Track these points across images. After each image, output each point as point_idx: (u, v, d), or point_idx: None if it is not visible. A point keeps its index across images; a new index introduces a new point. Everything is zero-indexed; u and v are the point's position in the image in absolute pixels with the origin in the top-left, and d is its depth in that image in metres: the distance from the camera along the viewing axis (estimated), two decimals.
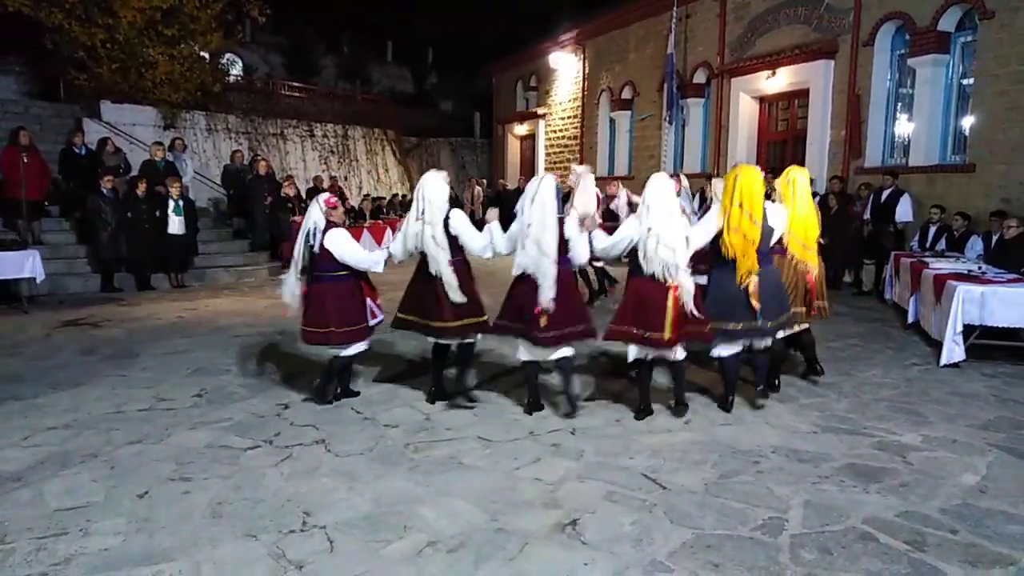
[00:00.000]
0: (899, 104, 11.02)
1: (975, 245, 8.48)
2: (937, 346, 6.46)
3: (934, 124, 10.21)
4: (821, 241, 5.29)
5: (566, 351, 4.79)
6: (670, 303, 4.44)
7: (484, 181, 20.15)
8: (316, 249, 4.79)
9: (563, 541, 3.22)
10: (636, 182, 14.65)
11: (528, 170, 21.13)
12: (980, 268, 7.04)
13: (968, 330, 6.19)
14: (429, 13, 29.26)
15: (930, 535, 3.27)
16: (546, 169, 20.23)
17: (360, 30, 29.85)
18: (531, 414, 4.90)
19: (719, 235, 4.65)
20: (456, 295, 4.66)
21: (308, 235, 4.81)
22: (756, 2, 13.07)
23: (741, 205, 4.54)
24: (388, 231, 13.74)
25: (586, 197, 7.77)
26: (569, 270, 4.80)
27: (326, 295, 4.83)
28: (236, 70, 22.94)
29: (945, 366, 6.16)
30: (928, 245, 9.07)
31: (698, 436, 4.56)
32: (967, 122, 9.76)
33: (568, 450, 4.31)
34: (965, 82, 9.96)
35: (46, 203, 11.11)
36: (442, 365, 5.24)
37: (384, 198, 18.28)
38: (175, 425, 4.72)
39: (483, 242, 4.84)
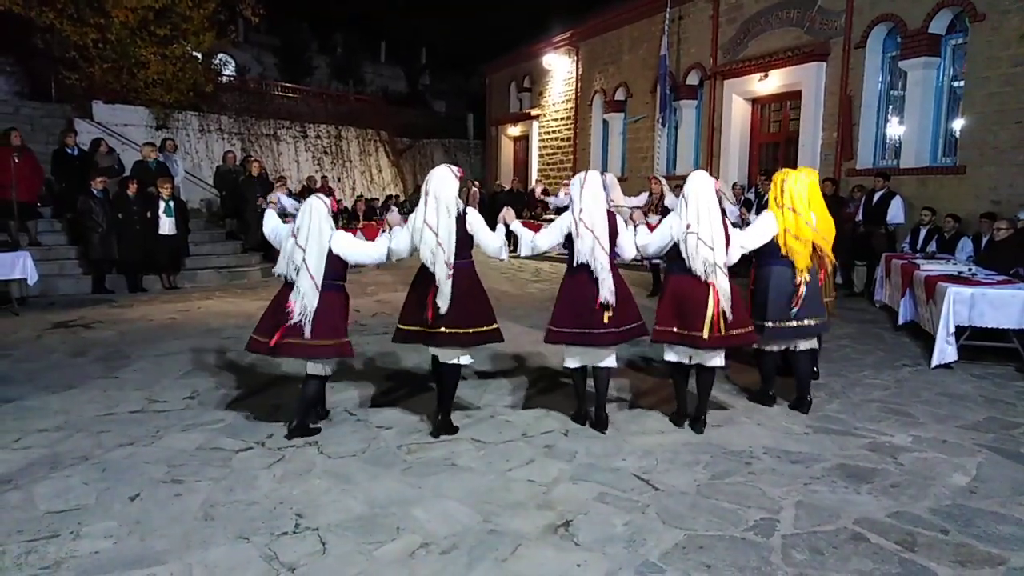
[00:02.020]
0: (890, 106, 11.08)
1: (965, 247, 8.54)
2: (928, 347, 6.50)
3: (925, 126, 10.27)
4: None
5: (612, 359, 4.62)
6: (711, 302, 4.34)
7: (478, 183, 20.14)
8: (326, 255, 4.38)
9: (556, 542, 3.23)
10: (629, 184, 14.70)
11: (521, 171, 21.17)
12: (970, 270, 7.09)
13: (958, 331, 6.23)
14: (423, 13, 29.27)
15: (920, 535, 3.29)
16: (539, 171, 20.26)
17: (353, 30, 29.83)
18: (583, 424, 4.69)
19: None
20: (444, 303, 4.26)
21: (326, 242, 4.37)
22: (749, 4, 13.12)
23: (793, 209, 4.68)
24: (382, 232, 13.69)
25: (616, 196, 7.76)
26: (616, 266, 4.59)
27: (334, 303, 4.45)
28: (229, 70, 22.86)
29: (937, 367, 6.20)
30: (919, 247, 9.12)
31: (690, 437, 4.58)
32: (958, 124, 9.83)
33: (561, 451, 4.32)
34: (956, 84, 10.02)
35: (39, 204, 11.04)
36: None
37: (378, 199, 18.27)
38: (167, 427, 4.70)
39: (499, 242, 4.56)
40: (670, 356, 4.65)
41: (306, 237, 4.31)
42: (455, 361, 4.55)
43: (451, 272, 4.27)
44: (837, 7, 11.30)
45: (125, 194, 10.50)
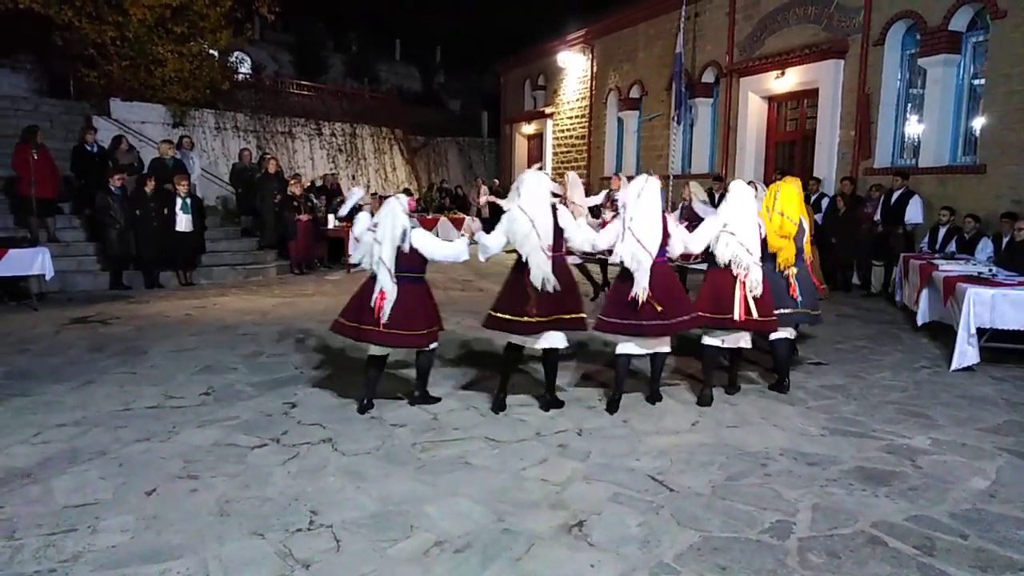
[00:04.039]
0: (909, 104, 10.96)
1: (985, 247, 8.43)
2: (948, 349, 6.42)
3: (945, 125, 10.15)
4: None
5: (667, 345, 5.09)
6: (738, 288, 5.01)
7: (496, 181, 20.16)
8: (406, 249, 4.76)
9: (570, 542, 3.22)
10: None
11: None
12: (991, 270, 6.99)
13: (978, 333, 6.15)
14: (438, 12, 29.29)
15: (939, 540, 3.25)
16: (553, 168, 20.23)
17: (369, 28, 29.90)
18: (613, 412, 4.98)
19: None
20: (550, 286, 4.66)
21: (398, 237, 4.72)
22: (766, 1, 13.02)
23: (782, 212, 5.26)
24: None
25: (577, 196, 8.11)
26: (667, 263, 5.10)
27: (412, 295, 4.80)
28: (245, 68, 22.99)
29: (957, 369, 6.12)
30: (938, 247, 9.01)
31: (705, 438, 4.55)
32: (978, 123, 9.70)
33: (575, 451, 4.31)
34: (976, 82, 9.89)
35: (59, 201, 11.15)
36: (511, 370, 5.17)
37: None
38: (183, 423, 4.74)
39: (586, 236, 4.99)
40: (707, 340, 5.30)
41: (383, 233, 4.71)
42: (555, 345, 4.92)
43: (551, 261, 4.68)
44: (855, 4, 11.19)
45: (143, 191, 10.59)
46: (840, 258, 10.47)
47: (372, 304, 4.70)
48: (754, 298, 5.00)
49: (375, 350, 4.96)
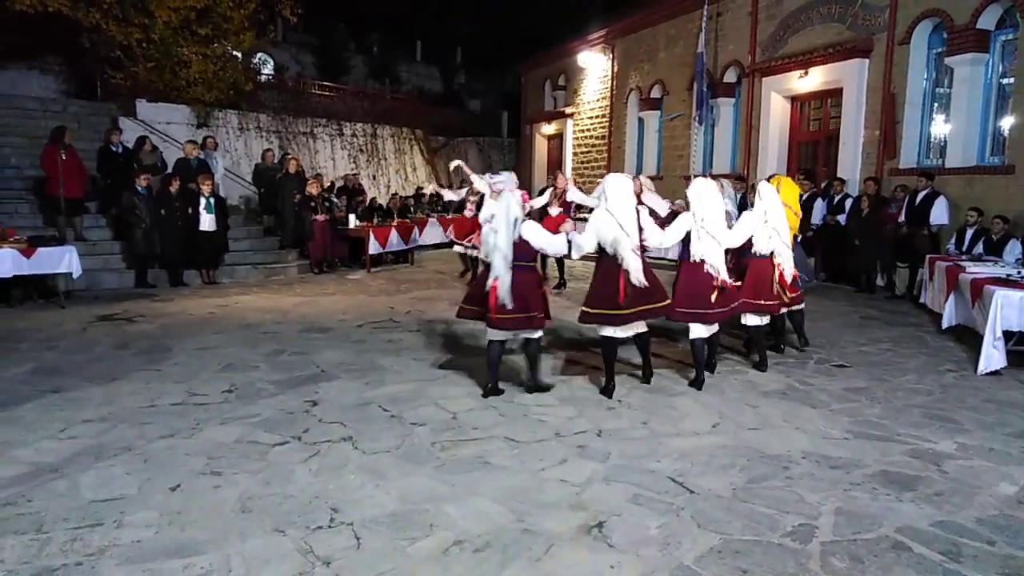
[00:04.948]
0: (935, 104, 10.78)
1: (1014, 249, 8.27)
2: (974, 352, 6.32)
3: (972, 124, 9.97)
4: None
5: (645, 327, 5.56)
6: (776, 275, 5.99)
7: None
8: (516, 239, 5.11)
9: (589, 543, 3.21)
10: (665, 182, 14.58)
11: (556, 170, 21.08)
12: (1019, 273, 6.86)
13: (1006, 336, 6.04)
14: (459, 13, 29.31)
15: (966, 546, 3.20)
16: (573, 169, 20.19)
17: (390, 29, 30.00)
18: (699, 388, 5.56)
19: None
20: (637, 279, 5.06)
21: (512, 227, 5.09)
22: (789, 1, 12.89)
23: (787, 205, 6.05)
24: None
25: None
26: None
27: (524, 282, 5.15)
28: (267, 69, 23.18)
29: (984, 374, 6.02)
30: (965, 248, 8.86)
31: (726, 440, 4.52)
32: (1006, 122, 9.53)
33: (594, 452, 4.30)
34: (1005, 81, 9.71)
35: (86, 200, 11.33)
36: (614, 357, 5.55)
37: (411, 197, 18.38)
38: (206, 420, 4.79)
39: (663, 237, 5.52)
40: (747, 321, 6.10)
41: (499, 223, 5.07)
42: (642, 330, 5.49)
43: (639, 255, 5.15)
44: (881, 2, 11.03)
45: (167, 191, 10.74)
46: (864, 260, 10.34)
47: (487, 291, 5.09)
48: (784, 283, 6.01)
49: (494, 334, 5.28)
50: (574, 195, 9.14)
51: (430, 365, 6.25)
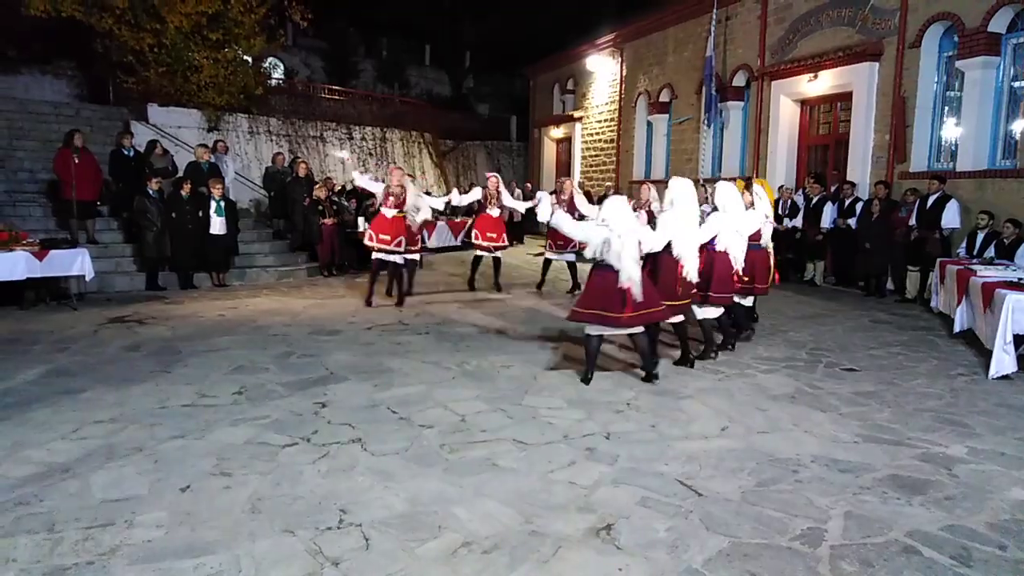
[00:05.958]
0: (946, 107, 10.73)
1: None
2: (985, 356, 6.28)
3: (983, 128, 9.92)
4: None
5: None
6: (772, 263, 7.19)
7: (528, 185, 20.20)
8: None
9: (597, 545, 3.21)
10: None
11: (564, 173, 21.10)
12: None
13: (1017, 340, 6.00)
14: (468, 17, 29.41)
15: (977, 551, 3.18)
16: (582, 172, 20.20)
17: (399, 34, 30.14)
18: (716, 357, 6.49)
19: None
20: (694, 276, 6.00)
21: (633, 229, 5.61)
22: (798, 3, 12.87)
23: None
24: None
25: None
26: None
27: (643, 279, 5.55)
28: (278, 73, 23.34)
29: (995, 378, 5.98)
30: (976, 252, 8.81)
31: (734, 443, 4.51)
32: (1018, 126, 9.48)
33: (602, 454, 4.30)
34: (1016, 85, 9.67)
35: (99, 203, 11.43)
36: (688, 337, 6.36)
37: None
38: (216, 421, 4.82)
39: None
40: (745, 302, 7.17)
41: (621, 227, 5.43)
42: (679, 319, 6.17)
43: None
44: (891, 5, 11.01)
45: (179, 194, 10.80)
46: (874, 263, 10.30)
47: (619, 292, 5.37)
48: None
49: (592, 330, 5.63)
50: (580, 203, 9.32)
51: (439, 367, 6.26)
